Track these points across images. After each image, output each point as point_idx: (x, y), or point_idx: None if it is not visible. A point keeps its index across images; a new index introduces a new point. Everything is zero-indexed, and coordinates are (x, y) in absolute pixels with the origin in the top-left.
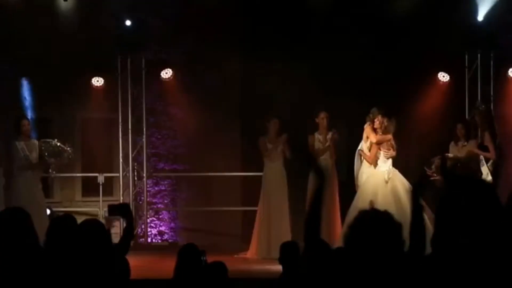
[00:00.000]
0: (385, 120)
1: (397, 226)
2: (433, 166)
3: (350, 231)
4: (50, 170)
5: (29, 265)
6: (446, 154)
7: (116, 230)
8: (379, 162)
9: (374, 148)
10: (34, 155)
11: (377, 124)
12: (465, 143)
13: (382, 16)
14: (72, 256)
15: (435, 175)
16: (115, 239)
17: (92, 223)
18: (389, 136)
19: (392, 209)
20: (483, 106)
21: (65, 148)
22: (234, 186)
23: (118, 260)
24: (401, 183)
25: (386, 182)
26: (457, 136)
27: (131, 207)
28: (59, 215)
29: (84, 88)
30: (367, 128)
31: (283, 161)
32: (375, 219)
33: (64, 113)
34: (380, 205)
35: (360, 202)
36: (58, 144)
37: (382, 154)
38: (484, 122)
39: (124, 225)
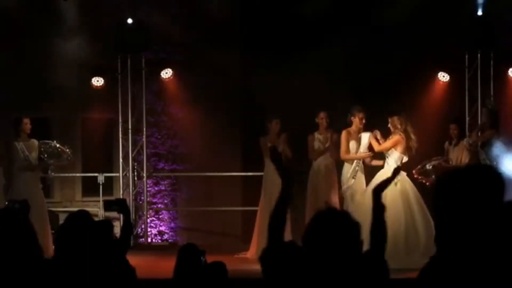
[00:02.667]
0: (395, 119)
1: (354, 225)
2: (419, 167)
3: (306, 231)
4: (48, 172)
5: (29, 264)
6: (428, 164)
7: (116, 230)
8: (389, 162)
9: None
10: (34, 155)
11: (356, 123)
12: (458, 143)
13: (382, 16)
14: (83, 256)
15: (420, 177)
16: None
17: (104, 223)
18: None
19: (399, 211)
20: (491, 105)
21: (64, 150)
22: (234, 186)
23: (119, 259)
24: (410, 186)
25: (396, 184)
26: (451, 137)
27: (131, 207)
28: (74, 212)
29: (84, 88)
30: (342, 135)
31: (284, 161)
32: (331, 219)
33: (64, 113)
34: (388, 206)
35: (366, 202)
36: (58, 145)
37: (397, 155)
38: (491, 120)
39: (122, 221)
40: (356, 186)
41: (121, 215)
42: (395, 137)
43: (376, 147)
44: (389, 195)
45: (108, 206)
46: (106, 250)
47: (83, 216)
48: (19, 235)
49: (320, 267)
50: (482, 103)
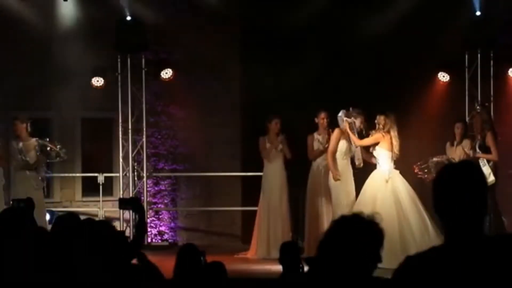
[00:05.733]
0: (382, 118)
1: (379, 233)
2: (419, 163)
3: (326, 238)
4: (42, 170)
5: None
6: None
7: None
8: (380, 162)
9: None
10: (32, 155)
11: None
12: (460, 142)
13: (382, 16)
14: (77, 255)
15: (420, 173)
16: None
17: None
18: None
19: (391, 210)
20: (480, 109)
21: (54, 148)
22: (234, 186)
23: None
24: (402, 184)
25: (386, 181)
26: (454, 136)
27: None
28: (62, 214)
29: (84, 88)
30: (335, 134)
31: (283, 161)
32: (354, 226)
33: (64, 113)
34: (379, 207)
35: (361, 205)
36: (46, 143)
37: (386, 154)
38: (484, 122)
39: (136, 219)
40: (342, 187)
41: (136, 214)
42: (375, 135)
43: (356, 142)
44: (380, 195)
45: (122, 204)
46: (103, 250)
47: (71, 218)
48: (25, 233)
49: (336, 276)
50: (473, 108)
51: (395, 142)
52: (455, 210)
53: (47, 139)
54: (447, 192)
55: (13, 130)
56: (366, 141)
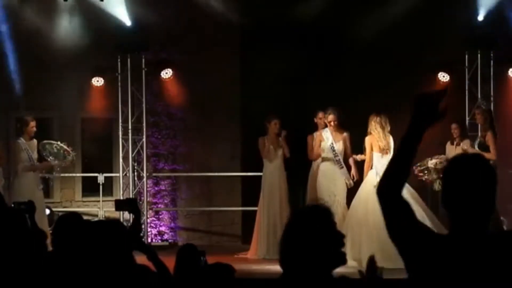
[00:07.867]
0: (369, 118)
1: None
2: (419, 164)
3: (284, 232)
4: (54, 172)
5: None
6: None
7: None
8: (374, 164)
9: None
10: (34, 155)
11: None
12: (459, 143)
13: (382, 15)
14: (81, 255)
15: (421, 174)
16: None
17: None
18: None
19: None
20: (484, 105)
21: (69, 151)
22: (234, 186)
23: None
24: None
25: (374, 187)
26: (453, 136)
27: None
28: (65, 213)
29: (84, 88)
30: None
31: (283, 160)
32: (311, 216)
33: (64, 113)
34: (371, 210)
35: (354, 208)
36: (63, 146)
37: (375, 155)
38: (485, 121)
39: (131, 221)
40: (326, 186)
41: (131, 215)
42: (366, 143)
43: (367, 165)
44: (371, 200)
45: (119, 206)
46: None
47: (74, 218)
48: (27, 235)
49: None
50: (475, 106)
51: (384, 140)
52: (463, 202)
53: (58, 142)
54: (457, 183)
55: (23, 130)
56: (368, 153)
